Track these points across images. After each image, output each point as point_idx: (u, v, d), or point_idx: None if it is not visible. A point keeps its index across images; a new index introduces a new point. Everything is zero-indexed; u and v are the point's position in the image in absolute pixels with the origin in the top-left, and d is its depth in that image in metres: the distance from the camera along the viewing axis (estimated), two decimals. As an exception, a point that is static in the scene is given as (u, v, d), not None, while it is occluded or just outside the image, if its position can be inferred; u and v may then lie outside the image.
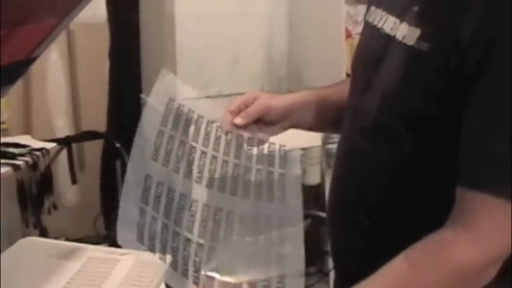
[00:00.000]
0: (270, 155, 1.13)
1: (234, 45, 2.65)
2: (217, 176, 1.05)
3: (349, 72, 1.21)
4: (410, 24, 0.98)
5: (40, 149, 2.47)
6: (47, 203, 2.63)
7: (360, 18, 2.44)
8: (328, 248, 1.34)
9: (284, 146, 1.16)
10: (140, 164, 0.98)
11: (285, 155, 1.15)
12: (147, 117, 1.03)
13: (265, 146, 1.14)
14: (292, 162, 1.15)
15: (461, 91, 0.92)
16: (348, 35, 2.59)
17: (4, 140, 2.48)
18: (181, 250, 0.95)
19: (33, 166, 2.46)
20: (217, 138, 1.10)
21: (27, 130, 2.88)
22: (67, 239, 2.14)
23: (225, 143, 1.10)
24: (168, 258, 0.93)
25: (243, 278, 0.98)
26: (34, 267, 1.00)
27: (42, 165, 2.51)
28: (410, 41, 0.97)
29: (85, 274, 0.98)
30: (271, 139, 1.16)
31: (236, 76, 2.66)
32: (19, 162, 2.34)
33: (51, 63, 2.98)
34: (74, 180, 2.87)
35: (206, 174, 1.04)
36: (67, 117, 3.07)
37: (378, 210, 1.06)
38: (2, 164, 2.25)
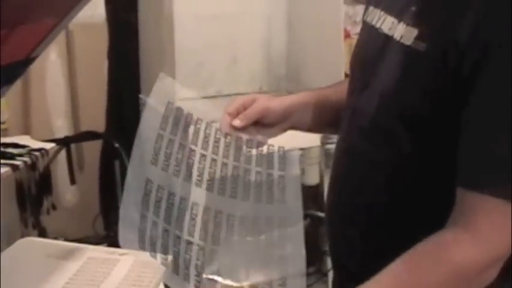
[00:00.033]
0: (269, 157, 1.13)
1: (233, 45, 2.65)
2: (217, 178, 1.06)
3: (348, 72, 1.21)
4: (408, 24, 0.98)
5: (39, 149, 2.47)
6: (46, 203, 2.63)
7: (359, 18, 2.44)
8: (327, 248, 1.34)
9: (283, 147, 1.16)
10: (140, 168, 0.98)
11: (283, 156, 1.15)
12: (147, 119, 1.03)
13: (264, 148, 1.14)
14: (291, 163, 1.15)
15: (459, 91, 0.92)
16: (347, 35, 2.59)
17: (3, 140, 2.48)
18: (183, 254, 0.95)
19: (32, 166, 2.46)
20: (217, 141, 1.10)
21: (26, 130, 2.88)
22: (66, 239, 2.14)
23: (224, 146, 1.10)
24: (169, 258, 0.94)
25: (244, 280, 0.98)
26: (33, 268, 1.00)
27: (41, 165, 2.51)
28: (408, 41, 0.98)
29: (84, 274, 0.98)
30: (270, 141, 1.16)
31: (235, 76, 2.66)
32: (18, 162, 2.34)
33: (50, 63, 2.98)
34: (72, 181, 2.87)
35: (206, 177, 1.04)
36: (66, 117, 3.07)
37: (376, 210, 1.06)
38: (1, 164, 2.24)
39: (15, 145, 2.45)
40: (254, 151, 1.12)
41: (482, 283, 0.93)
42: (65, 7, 0.89)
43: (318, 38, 2.61)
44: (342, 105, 1.15)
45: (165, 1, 2.51)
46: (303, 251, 1.01)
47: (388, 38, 1.02)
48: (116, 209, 2.69)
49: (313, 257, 2.48)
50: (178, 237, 0.96)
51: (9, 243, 1.07)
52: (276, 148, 1.16)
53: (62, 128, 3.04)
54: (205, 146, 1.08)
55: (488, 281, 0.93)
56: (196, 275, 0.94)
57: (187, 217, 0.98)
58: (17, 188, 2.47)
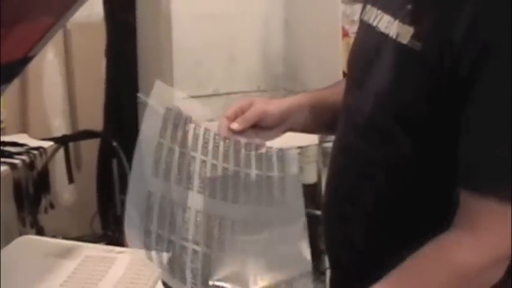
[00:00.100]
0: (268, 159, 1.14)
1: (231, 44, 2.65)
2: (218, 184, 1.06)
3: (346, 70, 1.21)
4: (404, 23, 0.98)
5: (37, 148, 2.47)
6: (44, 202, 2.63)
7: (356, 17, 2.44)
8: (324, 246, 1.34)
9: (281, 149, 1.17)
10: (141, 183, 0.97)
11: (282, 155, 1.15)
12: (147, 123, 1.03)
13: (263, 151, 1.14)
14: (289, 161, 1.15)
15: (456, 91, 0.92)
16: (345, 34, 2.59)
17: (1, 138, 2.48)
18: (189, 264, 0.95)
19: (30, 165, 2.46)
20: (216, 146, 1.10)
21: (23, 129, 2.87)
22: (64, 238, 2.13)
23: (224, 150, 1.10)
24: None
25: (253, 285, 0.98)
26: (31, 266, 1.00)
27: (39, 164, 2.51)
28: (404, 39, 0.97)
29: (82, 273, 0.98)
30: (269, 143, 1.16)
31: (232, 75, 2.67)
32: (16, 161, 2.33)
33: (48, 62, 2.98)
34: (70, 179, 2.87)
35: (207, 184, 1.04)
36: (64, 116, 3.07)
37: (373, 209, 1.06)
38: (0, 162, 2.24)
39: (14, 144, 2.45)
40: (253, 154, 1.13)
41: (483, 284, 0.93)
42: (62, 6, 0.90)
43: (316, 37, 2.61)
44: (338, 107, 1.15)
45: (162, 0, 2.52)
46: (308, 250, 1.01)
47: (384, 37, 1.02)
48: (113, 208, 2.69)
49: (311, 255, 2.48)
50: (184, 247, 0.96)
51: (7, 241, 1.07)
52: (274, 150, 1.16)
53: (60, 127, 3.04)
54: (205, 151, 1.08)
55: (491, 281, 0.93)
56: (203, 284, 0.94)
57: (191, 225, 0.98)
58: (15, 187, 2.46)
